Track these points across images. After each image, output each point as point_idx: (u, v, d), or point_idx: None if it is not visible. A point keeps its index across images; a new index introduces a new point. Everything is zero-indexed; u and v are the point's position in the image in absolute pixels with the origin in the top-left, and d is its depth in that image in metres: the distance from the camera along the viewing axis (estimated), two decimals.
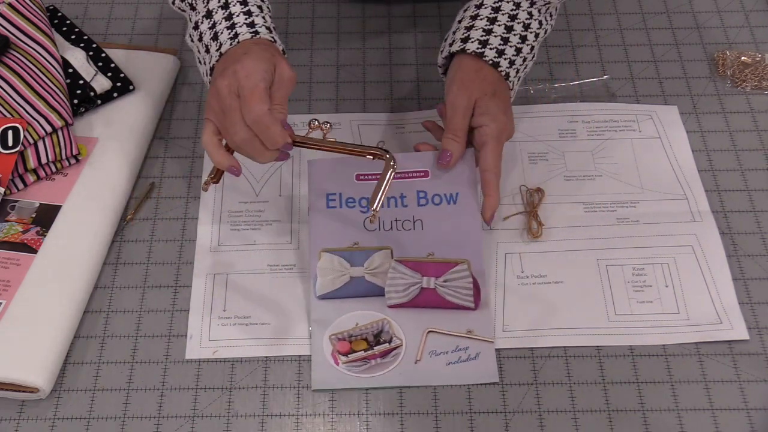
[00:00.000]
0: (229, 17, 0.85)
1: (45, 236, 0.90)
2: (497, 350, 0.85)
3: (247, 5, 0.86)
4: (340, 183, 0.92)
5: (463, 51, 0.89)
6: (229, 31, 0.85)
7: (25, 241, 0.90)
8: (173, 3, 0.92)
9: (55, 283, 0.87)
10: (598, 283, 0.89)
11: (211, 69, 0.85)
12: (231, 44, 0.84)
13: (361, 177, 0.92)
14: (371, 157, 0.84)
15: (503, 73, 0.89)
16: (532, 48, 0.92)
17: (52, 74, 0.98)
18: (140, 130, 0.99)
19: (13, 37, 1.01)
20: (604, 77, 1.07)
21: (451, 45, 0.91)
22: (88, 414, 0.81)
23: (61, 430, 0.81)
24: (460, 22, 0.92)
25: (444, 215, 0.91)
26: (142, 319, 0.87)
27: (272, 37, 0.86)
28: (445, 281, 0.87)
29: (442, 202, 0.91)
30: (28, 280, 0.87)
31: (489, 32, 0.89)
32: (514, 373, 0.83)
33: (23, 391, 0.81)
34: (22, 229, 0.91)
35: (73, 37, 1.06)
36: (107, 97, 1.01)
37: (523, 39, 0.90)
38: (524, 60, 0.91)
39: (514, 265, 0.90)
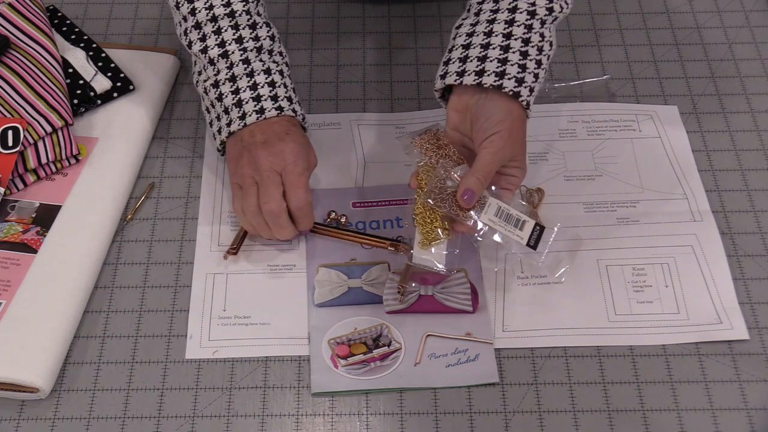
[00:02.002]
0: (254, 87, 0.88)
1: (45, 236, 0.90)
2: (497, 350, 0.85)
3: (270, 74, 0.89)
4: (337, 208, 0.94)
5: (499, 88, 0.81)
6: (255, 103, 0.88)
7: (25, 241, 0.90)
8: (189, 47, 0.92)
9: (55, 283, 0.87)
10: (598, 283, 0.89)
11: (230, 133, 0.88)
12: (258, 118, 0.87)
13: (357, 204, 0.95)
14: (393, 249, 0.89)
15: (524, 103, 0.82)
16: (545, 65, 0.85)
17: (52, 74, 0.98)
18: (140, 130, 0.99)
19: (13, 37, 1.01)
20: (604, 77, 1.07)
21: (480, 75, 0.82)
22: (88, 414, 0.81)
23: (61, 430, 0.81)
24: (468, 48, 0.85)
25: None
26: (142, 319, 0.87)
27: (293, 110, 0.89)
28: (443, 288, 0.87)
29: None
30: (28, 280, 0.87)
31: (506, 62, 0.83)
32: (514, 373, 0.83)
33: (23, 391, 0.81)
34: (22, 229, 0.91)
35: (73, 37, 1.06)
36: (107, 97, 1.01)
37: (539, 63, 0.84)
38: (535, 77, 0.84)
39: (514, 265, 0.90)
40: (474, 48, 0.84)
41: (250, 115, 0.87)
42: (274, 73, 0.90)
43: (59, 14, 1.08)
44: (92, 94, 1.00)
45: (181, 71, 1.08)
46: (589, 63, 1.09)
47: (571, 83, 1.06)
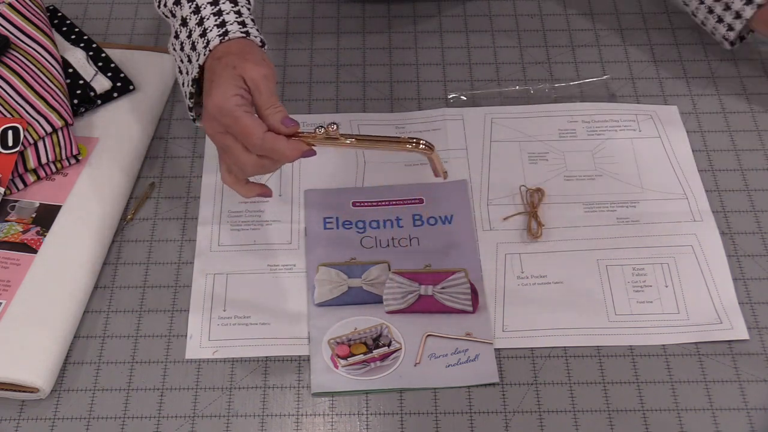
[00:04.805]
0: (201, 22, 0.82)
1: (45, 236, 0.90)
2: (497, 350, 0.85)
3: (218, 4, 0.82)
4: (337, 208, 0.94)
5: None
6: (203, 39, 0.81)
7: (25, 241, 0.90)
8: (158, 7, 0.89)
9: (55, 283, 0.87)
10: (598, 283, 0.89)
11: (193, 80, 0.82)
12: (205, 54, 0.80)
13: (357, 204, 0.94)
14: (410, 146, 0.79)
15: None
16: None
17: (52, 74, 0.98)
18: (140, 130, 0.99)
19: (13, 37, 1.01)
20: (604, 77, 1.07)
21: None
22: (88, 414, 0.81)
23: (61, 430, 0.81)
24: None
25: (440, 233, 0.92)
26: (142, 319, 0.87)
27: (245, 31, 0.80)
28: (442, 288, 0.87)
29: (437, 222, 0.93)
30: (28, 280, 0.87)
31: None
32: (514, 373, 0.83)
33: (23, 391, 0.81)
34: (22, 229, 0.91)
35: (73, 37, 1.06)
36: (107, 97, 1.01)
37: None
38: None
39: (514, 265, 0.90)
40: None
41: (201, 55, 0.80)
42: (222, 2, 0.81)
43: (59, 14, 1.08)
44: (92, 94, 1.00)
45: None
46: (589, 63, 1.09)
47: (571, 83, 1.06)
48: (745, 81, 1.07)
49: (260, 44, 0.82)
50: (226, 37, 0.79)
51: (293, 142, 0.77)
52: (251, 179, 0.82)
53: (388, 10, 1.15)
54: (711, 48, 1.10)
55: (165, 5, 0.87)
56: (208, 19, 0.81)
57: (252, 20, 0.83)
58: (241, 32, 0.80)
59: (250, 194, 0.82)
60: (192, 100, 0.84)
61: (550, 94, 1.05)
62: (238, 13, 0.82)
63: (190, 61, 0.83)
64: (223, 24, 0.80)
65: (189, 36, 0.82)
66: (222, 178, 0.82)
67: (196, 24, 0.82)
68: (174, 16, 0.85)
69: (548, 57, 1.10)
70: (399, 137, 0.82)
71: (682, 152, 1.00)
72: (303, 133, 0.78)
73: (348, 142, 0.78)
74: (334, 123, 0.78)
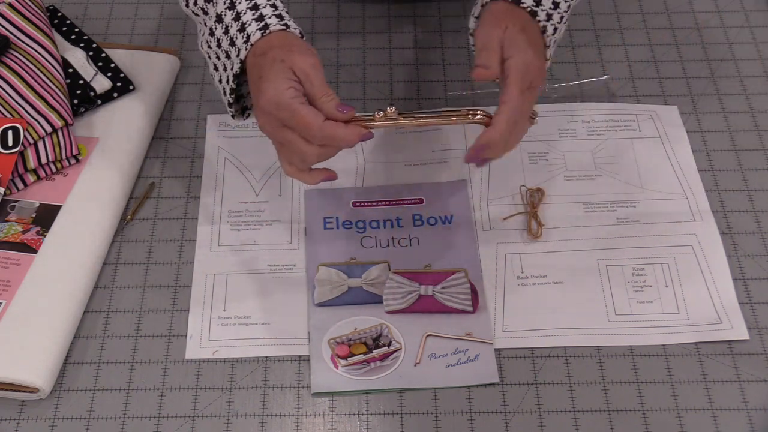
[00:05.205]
0: (237, 17, 0.82)
1: (45, 236, 0.90)
2: (497, 350, 0.85)
3: None
4: (337, 208, 0.94)
5: None
6: (242, 34, 0.81)
7: (25, 241, 0.90)
8: (186, 6, 0.88)
9: (55, 283, 0.87)
10: (598, 283, 0.89)
11: (235, 75, 0.82)
12: (247, 49, 0.80)
13: (357, 204, 0.94)
14: (468, 117, 0.80)
15: (541, 25, 0.81)
16: (568, 7, 0.84)
17: (52, 74, 0.98)
18: (140, 130, 0.99)
19: (13, 37, 1.01)
20: (604, 77, 1.07)
21: None
22: (88, 414, 0.81)
23: (61, 430, 0.81)
24: None
25: (439, 233, 0.92)
26: (142, 319, 0.87)
27: (285, 24, 0.80)
28: (443, 288, 0.87)
29: (437, 223, 0.93)
30: (28, 280, 0.87)
31: None
32: (514, 373, 0.83)
33: (23, 391, 0.81)
34: (22, 229, 0.91)
35: (73, 37, 1.06)
36: (107, 97, 1.01)
37: None
38: (561, 18, 0.83)
39: (514, 265, 0.90)
40: None
41: (242, 50, 0.80)
42: None
43: (59, 14, 1.08)
44: (92, 94, 1.00)
45: (181, 71, 1.08)
46: (589, 63, 1.09)
47: (571, 83, 1.06)
48: (745, 81, 1.07)
49: (299, 35, 0.82)
50: (267, 31, 0.80)
51: (351, 127, 0.77)
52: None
53: (388, 10, 1.15)
54: (711, 48, 1.10)
55: (195, 3, 0.86)
56: (244, 13, 0.81)
57: (287, 12, 0.83)
58: (281, 25, 0.81)
59: (315, 181, 0.81)
60: (232, 96, 0.84)
61: (550, 94, 1.05)
62: (274, 6, 0.82)
63: (228, 57, 0.83)
64: (261, 18, 0.81)
65: (226, 32, 0.82)
66: (285, 171, 0.81)
67: (233, 19, 0.82)
68: (206, 13, 0.85)
69: None
70: (458, 109, 0.81)
71: (682, 152, 1.00)
72: (361, 116, 0.78)
73: (407, 121, 0.79)
74: (392, 105, 0.79)
